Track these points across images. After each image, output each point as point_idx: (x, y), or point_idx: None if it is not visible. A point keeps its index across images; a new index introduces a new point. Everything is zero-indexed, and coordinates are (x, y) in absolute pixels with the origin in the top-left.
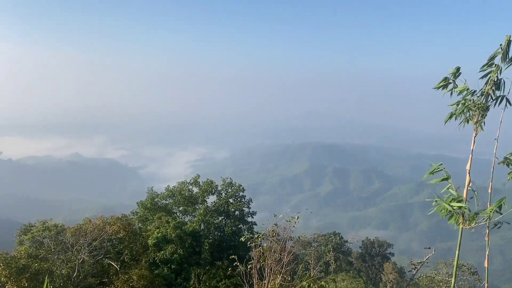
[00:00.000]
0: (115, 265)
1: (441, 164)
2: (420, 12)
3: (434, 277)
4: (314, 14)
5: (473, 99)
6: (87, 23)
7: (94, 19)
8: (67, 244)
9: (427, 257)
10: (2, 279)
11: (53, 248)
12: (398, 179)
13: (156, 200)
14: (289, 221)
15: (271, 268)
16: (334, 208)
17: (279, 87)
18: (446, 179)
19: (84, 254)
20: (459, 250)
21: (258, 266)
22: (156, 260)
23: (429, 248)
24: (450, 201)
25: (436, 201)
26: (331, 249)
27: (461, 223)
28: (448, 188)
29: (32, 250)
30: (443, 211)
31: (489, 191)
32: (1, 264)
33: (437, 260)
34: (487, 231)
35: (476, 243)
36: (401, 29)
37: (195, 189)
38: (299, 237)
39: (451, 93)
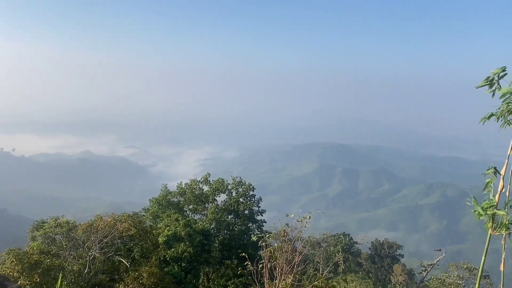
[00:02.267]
0: (126, 262)
1: (494, 166)
2: (429, 12)
3: (444, 280)
4: (323, 16)
5: None
6: (98, 22)
7: (105, 19)
8: (78, 240)
9: (437, 259)
10: (15, 274)
11: (65, 245)
12: (407, 180)
13: (168, 197)
14: (301, 221)
15: (282, 268)
16: (343, 208)
17: (289, 87)
18: (490, 181)
19: (95, 251)
20: (485, 256)
21: (268, 266)
22: (167, 257)
23: (439, 250)
24: (487, 206)
25: (472, 201)
26: (340, 249)
27: (490, 229)
28: (487, 192)
29: (44, 246)
30: (477, 215)
31: (507, 193)
32: (14, 260)
33: (447, 263)
34: (504, 234)
35: (488, 246)
36: (413, 30)
37: (206, 188)
38: (309, 237)
39: (493, 94)
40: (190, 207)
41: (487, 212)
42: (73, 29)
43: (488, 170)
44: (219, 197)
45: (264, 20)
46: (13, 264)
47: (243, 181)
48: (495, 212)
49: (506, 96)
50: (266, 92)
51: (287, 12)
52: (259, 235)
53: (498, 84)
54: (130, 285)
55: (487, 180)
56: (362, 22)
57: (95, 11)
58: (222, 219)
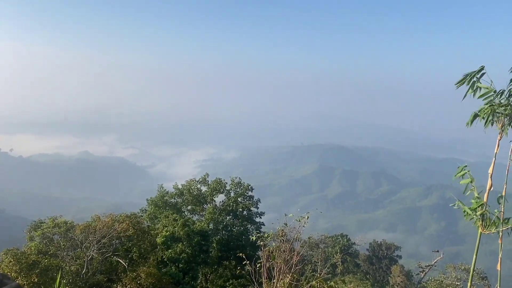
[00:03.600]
0: (124, 263)
1: (466, 166)
2: (431, 16)
3: (442, 281)
4: (323, 18)
5: (500, 100)
6: (98, 23)
7: (104, 20)
8: (76, 241)
9: (435, 260)
10: (13, 274)
11: (63, 245)
12: (407, 182)
13: (165, 198)
14: (299, 220)
15: (280, 268)
16: (342, 210)
17: (288, 89)
18: (470, 182)
19: (93, 251)
20: (476, 255)
21: (267, 265)
22: (164, 258)
23: (438, 251)
24: (476, 206)
25: (456, 204)
26: (338, 250)
27: (480, 228)
28: (471, 191)
29: (42, 246)
30: (466, 215)
31: (503, 193)
32: (12, 260)
33: (445, 264)
34: (501, 233)
35: (485, 247)
36: (413, 32)
37: (204, 188)
38: (309, 238)
39: (474, 94)
40: (189, 207)
41: (477, 212)
42: (72, 29)
43: (459, 172)
44: (217, 197)
45: (265, 21)
46: (11, 264)
47: (241, 182)
48: (484, 211)
49: (488, 95)
50: (267, 93)
51: (287, 13)
52: (259, 235)
53: (479, 81)
54: (128, 286)
55: (465, 180)
56: (363, 22)
57: (95, 10)
58: (220, 219)
